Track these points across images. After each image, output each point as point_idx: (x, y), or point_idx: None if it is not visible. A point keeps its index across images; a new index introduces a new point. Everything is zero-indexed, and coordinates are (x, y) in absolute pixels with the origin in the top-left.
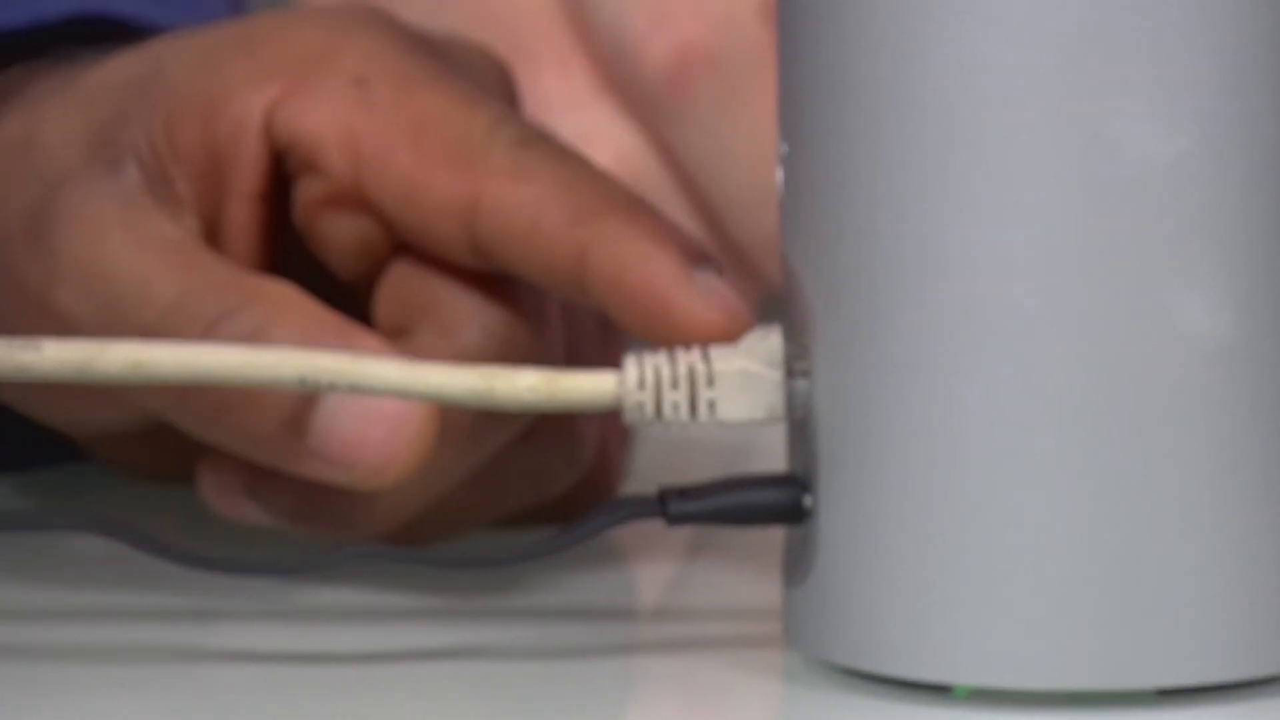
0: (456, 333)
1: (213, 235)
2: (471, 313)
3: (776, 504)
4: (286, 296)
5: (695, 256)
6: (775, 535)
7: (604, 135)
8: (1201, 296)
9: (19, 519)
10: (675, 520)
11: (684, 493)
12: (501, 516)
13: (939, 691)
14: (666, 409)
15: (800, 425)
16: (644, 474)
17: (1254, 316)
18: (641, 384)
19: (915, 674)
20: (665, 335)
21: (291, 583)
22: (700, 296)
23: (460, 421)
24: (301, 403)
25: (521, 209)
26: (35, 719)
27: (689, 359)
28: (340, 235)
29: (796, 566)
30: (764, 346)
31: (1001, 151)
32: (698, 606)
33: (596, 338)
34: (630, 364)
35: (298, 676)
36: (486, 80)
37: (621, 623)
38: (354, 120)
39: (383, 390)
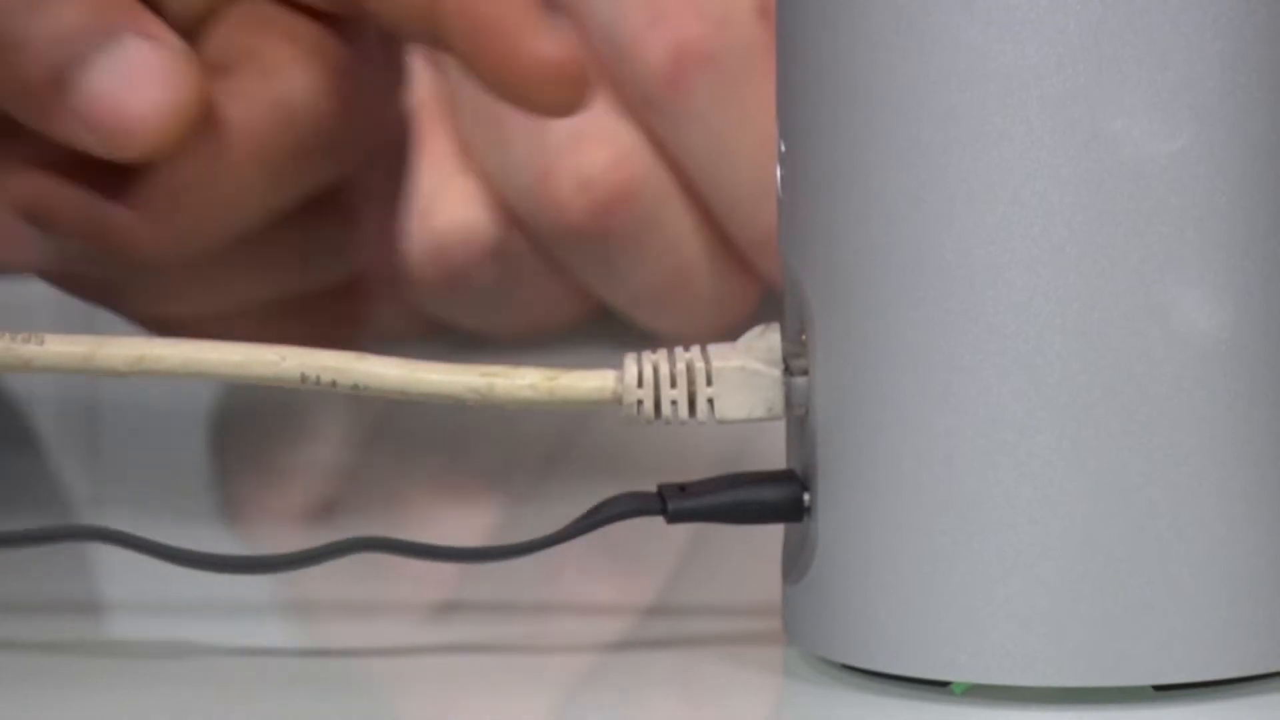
0: (274, 78)
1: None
2: (293, 62)
3: (776, 501)
4: None
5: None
6: (774, 531)
7: (601, 133)
8: (1199, 294)
9: (22, 536)
10: (674, 517)
11: (683, 489)
12: (269, 294)
13: (937, 687)
14: (666, 407)
15: (799, 422)
16: (643, 470)
17: (1252, 314)
18: (640, 382)
19: (913, 670)
20: (501, 69)
21: (290, 576)
22: (549, 38)
23: (267, 153)
24: (70, 59)
25: None
26: (39, 712)
27: (688, 356)
28: None
29: (795, 563)
30: (763, 344)
31: (1000, 149)
32: (697, 603)
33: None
34: (629, 362)
35: (295, 670)
36: None
37: (621, 619)
38: None
39: (384, 389)
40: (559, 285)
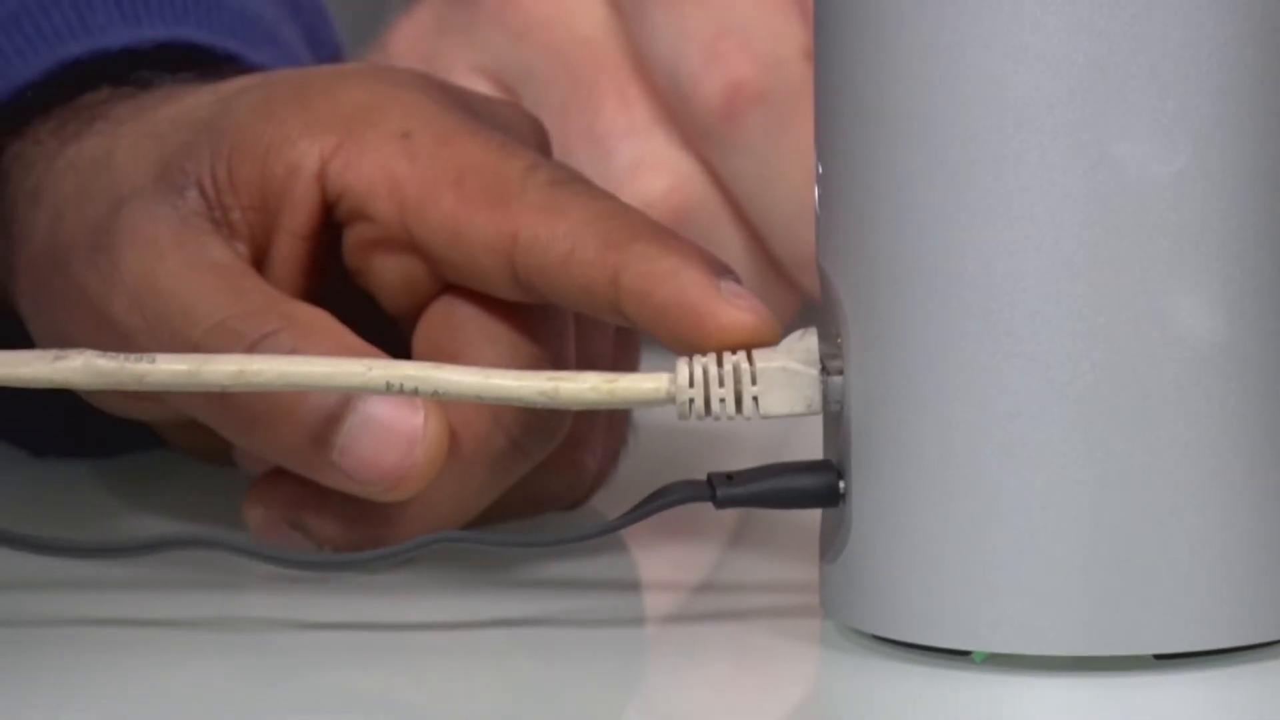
0: None
1: (261, 265)
2: (495, 364)
3: (814, 488)
4: (320, 322)
5: (718, 268)
6: (813, 516)
7: (660, 162)
8: (1196, 300)
9: (130, 547)
10: (723, 503)
11: (730, 478)
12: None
13: (959, 656)
14: (715, 405)
15: (835, 417)
16: (693, 462)
17: (1244, 319)
18: (692, 382)
19: (938, 640)
20: (700, 341)
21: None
22: (728, 302)
23: (489, 455)
24: (327, 421)
25: (556, 240)
26: (111, 684)
27: (734, 359)
28: (388, 274)
29: (832, 544)
30: (802, 346)
31: (1017, 170)
32: (743, 581)
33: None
34: (681, 365)
35: (393, 642)
36: (521, 134)
37: (676, 595)
38: (399, 170)
39: (461, 394)
40: None
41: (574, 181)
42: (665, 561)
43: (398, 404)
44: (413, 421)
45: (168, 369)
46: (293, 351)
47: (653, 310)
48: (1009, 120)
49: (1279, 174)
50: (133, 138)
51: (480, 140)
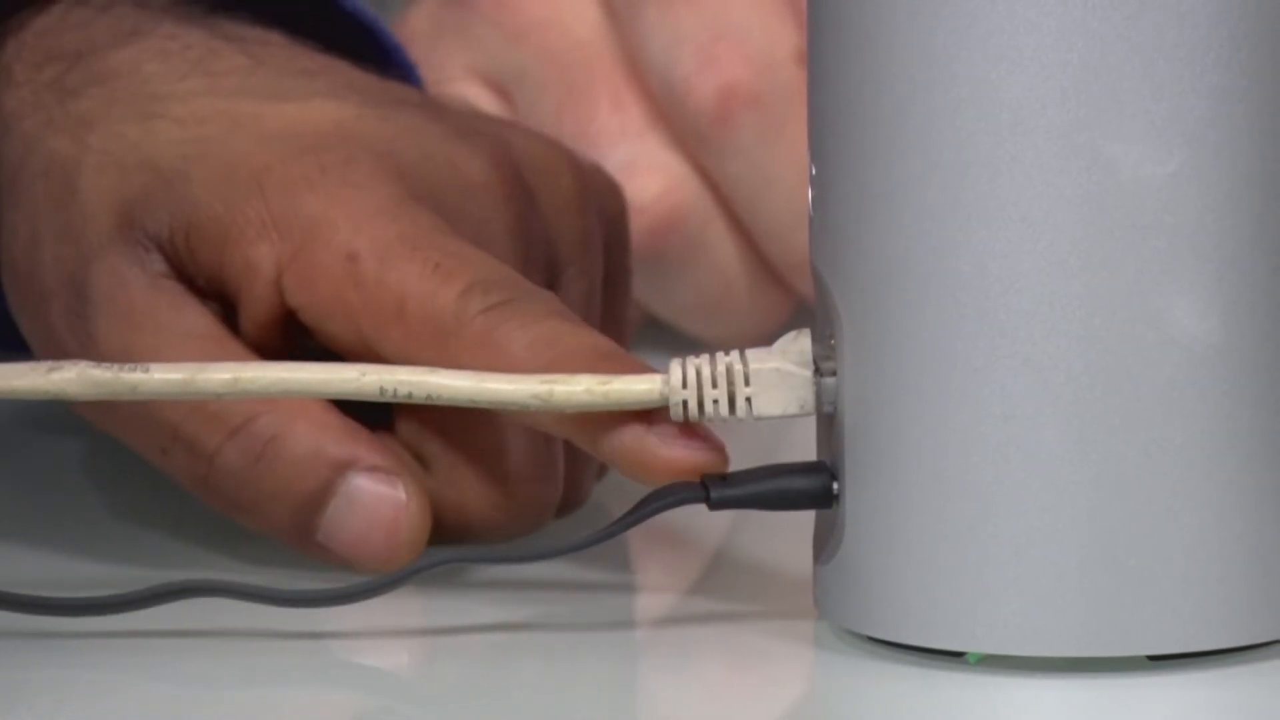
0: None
1: (232, 322)
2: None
3: (808, 490)
4: (303, 403)
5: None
6: (806, 517)
7: (653, 165)
8: (1189, 301)
9: (130, 598)
10: (717, 505)
11: (725, 480)
12: None
13: (953, 657)
14: (708, 406)
15: (828, 419)
16: None
17: (1238, 319)
18: (685, 384)
19: (932, 642)
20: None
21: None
22: (666, 445)
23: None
24: (311, 505)
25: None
26: (108, 688)
27: (727, 360)
28: (353, 356)
29: (825, 546)
30: (795, 348)
31: (1011, 171)
32: (738, 582)
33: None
34: (674, 365)
35: (399, 645)
36: (481, 212)
37: (670, 597)
38: (349, 298)
39: (455, 399)
40: None
41: (508, 303)
42: (659, 564)
43: (378, 481)
44: (396, 501)
45: (161, 378)
46: (275, 436)
47: (598, 451)
48: (1003, 122)
49: (1273, 175)
50: (98, 158)
51: (418, 263)
